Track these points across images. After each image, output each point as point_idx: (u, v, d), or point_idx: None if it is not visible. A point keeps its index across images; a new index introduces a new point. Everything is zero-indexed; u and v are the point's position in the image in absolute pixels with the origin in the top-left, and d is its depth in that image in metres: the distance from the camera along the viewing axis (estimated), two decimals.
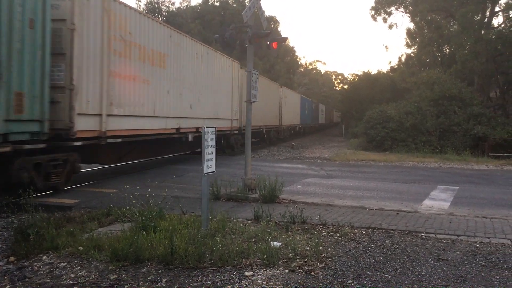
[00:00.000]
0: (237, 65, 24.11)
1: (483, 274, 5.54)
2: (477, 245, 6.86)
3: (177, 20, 44.82)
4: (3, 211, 8.05)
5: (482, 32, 32.36)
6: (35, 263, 6.03)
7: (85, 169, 14.67)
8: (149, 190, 8.47)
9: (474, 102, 29.04)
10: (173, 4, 54.00)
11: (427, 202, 10.64)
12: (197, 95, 18.23)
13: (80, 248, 6.31)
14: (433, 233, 7.49)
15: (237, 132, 24.31)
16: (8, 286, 5.31)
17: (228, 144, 23.88)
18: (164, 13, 47.40)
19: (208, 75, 19.65)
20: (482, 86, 34.11)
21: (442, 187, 13.17)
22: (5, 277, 5.64)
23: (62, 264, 5.90)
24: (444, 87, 29.62)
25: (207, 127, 7.08)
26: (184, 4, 52.84)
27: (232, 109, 23.07)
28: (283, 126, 37.41)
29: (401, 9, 42.69)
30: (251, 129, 11.16)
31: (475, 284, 5.21)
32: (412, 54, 47.93)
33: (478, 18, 33.68)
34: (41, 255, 6.30)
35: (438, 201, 10.88)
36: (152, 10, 46.38)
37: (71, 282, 5.27)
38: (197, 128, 17.70)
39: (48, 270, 5.73)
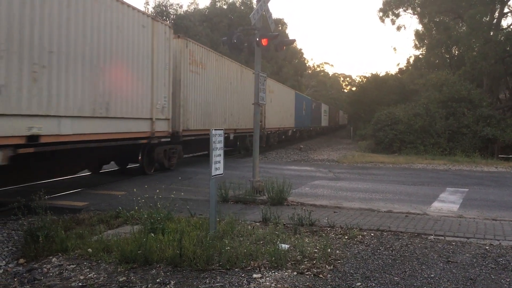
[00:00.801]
0: (163, 28, 15.05)
1: (492, 277, 5.51)
2: (487, 247, 6.82)
3: (185, 23, 44.96)
4: (14, 213, 8.09)
5: (491, 33, 32.20)
6: (44, 265, 6.07)
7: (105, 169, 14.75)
8: (158, 192, 8.51)
9: (483, 103, 28.85)
10: (181, 7, 54.39)
11: (436, 204, 10.59)
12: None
13: (89, 250, 6.35)
14: (442, 236, 7.46)
15: (168, 140, 15.94)
16: None
17: (150, 160, 15.32)
18: (172, 16, 47.56)
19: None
20: (491, 88, 33.93)
21: (451, 189, 13.10)
22: (15, 279, 5.69)
23: (72, 266, 5.94)
24: (453, 89, 29.47)
25: (215, 129, 7.09)
26: (192, 7, 53.11)
27: (152, 102, 14.24)
28: (266, 130, 29.10)
29: (409, 10, 42.55)
30: (258, 132, 11.17)
31: (485, 286, 5.18)
32: (420, 56, 47.74)
33: (487, 19, 33.50)
34: (51, 257, 6.35)
35: (447, 203, 10.82)
36: (160, 14, 46.55)
37: (80, 284, 5.31)
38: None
39: (57, 272, 5.77)
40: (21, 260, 6.48)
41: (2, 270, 6.13)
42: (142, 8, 64.52)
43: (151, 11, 46.73)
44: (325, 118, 62.25)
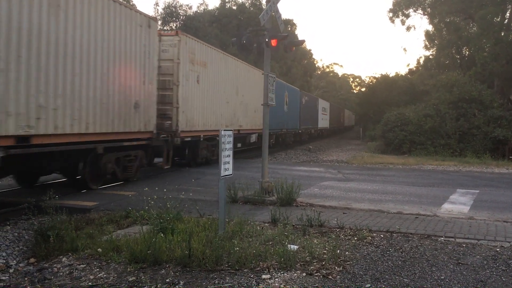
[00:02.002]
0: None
1: (503, 279, 5.46)
2: (498, 249, 6.76)
3: (195, 24, 45.06)
4: (24, 213, 8.17)
5: (502, 33, 31.96)
6: (55, 265, 6.11)
7: None
8: (167, 192, 8.53)
9: (494, 104, 28.63)
10: (190, 8, 54.38)
11: (446, 206, 10.52)
12: None
13: (99, 250, 6.38)
14: (452, 237, 7.41)
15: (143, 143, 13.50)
16: (28, 287, 5.39)
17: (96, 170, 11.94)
18: (181, 17, 47.69)
19: None
20: (502, 88, 33.65)
21: (462, 190, 13.01)
22: (26, 278, 5.74)
23: (82, 265, 5.98)
24: (464, 90, 29.27)
25: (224, 130, 7.10)
26: (202, 8, 53.08)
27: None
28: (180, 135, 15.71)
29: (420, 11, 42.34)
30: (268, 133, 11.17)
31: None
32: (430, 56, 47.50)
33: (498, 19, 33.25)
34: (61, 256, 6.39)
35: (457, 204, 10.75)
36: (170, 15, 46.71)
37: (90, 283, 5.33)
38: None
39: (67, 272, 5.80)
40: (32, 260, 6.53)
41: (13, 269, 6.19)
42: (151, 10, 64.67)
43: (160, 12, 46.94)
44: (325, 117, 51.76)
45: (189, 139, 16.46)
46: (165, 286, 5.16)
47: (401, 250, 6.64)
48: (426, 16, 42.38)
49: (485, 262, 6.10)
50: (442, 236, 7.46)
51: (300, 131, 38.41)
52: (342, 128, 73.57)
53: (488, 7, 32.10)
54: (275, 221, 8.14)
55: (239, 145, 23.40)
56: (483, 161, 22.77)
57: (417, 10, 42.24)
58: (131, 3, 40.04)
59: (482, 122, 27.27)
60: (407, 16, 42.87)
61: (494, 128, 26.56)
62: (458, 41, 37.45)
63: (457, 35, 36.77)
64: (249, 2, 52.82)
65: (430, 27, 43.98)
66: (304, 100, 39.02)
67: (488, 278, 5.48)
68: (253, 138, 24.37)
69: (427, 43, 45.17)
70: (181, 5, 48.66)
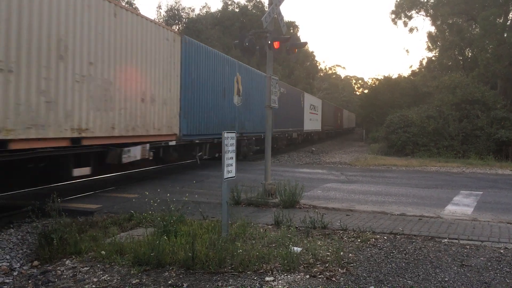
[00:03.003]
0: None
1: (507, 281, 5.44)
2: (502, 251, 6.74)
3: (197, 27, 45.14)
4: (28, 216, 8.19)
5: (505, 34, 31.90)
6: (58, 267, 6.12)
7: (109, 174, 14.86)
8: (170, 194, 8.54)
9: (497, 105, 28.60)
10: (193, 11, 54.54)
11: (450, 208, 10.50)
12: None
13: (103, 252, 6.39)
14: (456, 239, 7.39)
15: None
16: None
17: None
18: (184, 20, 47.81)
19: None
20: (505, 90, 33.57)
21: (465, 192, 12.98)
22: (29, 281, 5.75)
23: (85, 268, 5.98)
24: (467, 91, 29.26)
25: (227, 132, 7.11)
26: (204, 10, 53.21)
27: None
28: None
29: (422, 12, 42.39)
30: (270, 135, 11.17)
31: None
32: (433, 58, 47.49)
33: (501, 20, 33.21)
34: (65, 259, 6.40)
35: (461, 206, 10.73)
36: (173, 17, 46.82)
37: (93, 286, 5.34)
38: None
39: (71, 274, 5.81)
40: (35, 263, 6.54)
41: (17, 272, 6.20)
42: (154, 13, 64.68)
43: (163, 15, 47.06)
44: (314, 118, 41.70)
45: None
46: None
47: (404, 252, 6.62)
48: (428, 17, 42.43)
49: (489, 264, 6.08)
50: (445, 238, 7.44)
51: (277, 135, 27.65)
52: (340, 130, 64.72)
53: (490, 8, 32.11)
54: (278, 223, 8.13)
55: None
56: (486, 163, 22.72)
57: (419, 11, 42.29)
58: (133, 6, 40.15)
59: (485, 124, 27.24)
60: (410, 17, 42.93)
61: (498, 129, 26.52)
62: (460, 42, 37.45)
63: (459, 37, 36.77)
64: (251, 4, 52.94)
65: (432, 29, 44.21)
66: (285, 93, 29.10)
67: (492, 280, 5.46)
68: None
69: (429, 44, 45.22)
70: (183, 8, 48.73)
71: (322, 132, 47.96)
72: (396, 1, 42.72)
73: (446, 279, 5.47)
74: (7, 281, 5.82)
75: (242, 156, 22.16)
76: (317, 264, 5.86)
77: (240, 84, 21.20)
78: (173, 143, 14.66)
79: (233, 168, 7.24)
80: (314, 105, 41.91)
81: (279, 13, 11.29)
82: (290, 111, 31.44)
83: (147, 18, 12.85)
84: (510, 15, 33.99)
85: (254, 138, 23.85)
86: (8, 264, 6.48)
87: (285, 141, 31.80)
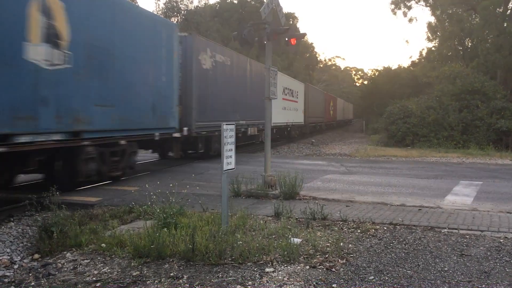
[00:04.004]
0: None
1: (507, 270, 5.45)
2: (501, 240, 6.75)
3: (196, 19, 44.98)
4: (28, 209, 8.19)
5: (505, 24, 31.80)
6: (59, 260, 6.13)
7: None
8: (170, 187, 8.55)
9: (497, 96, 28.57)
10: (191, 2, 54.21)
11: (449, 198, 10.51)
12: None
13: (103, 245, 6.40)
14: (456, 229, 7.40)
15: None
16: (32, 283, 5.41)
17: None
18: (183, 12, 47.59)
19: None
20: (506, 80, 33.53)
21: (465, 182, 12.98)
22: (30, 274, 5.76)
23: (86, 261, 5.99)
24: (466, 81, 29.21)
25: (226, 124, 7.09)
26: (203, 2, 52.94)
27: None
28: None
29: (421, 2, 42.26)
30: (270, 127, 11.16)
31: (499, 279, 5.13)
32: (433, 48, 47.32)
33: (501, 10, 33.09)
34: (65, 252, 6.41)
35: (461, 196, 10.73)
36: (171, 9, 46.60)
37: (94, 278, 5.35)
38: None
39: (71, 267, 5.82)
40: (36, 256, 6.55)
41: (18, 265, 6.21)
42: (153, 5, 64.49)
43: (162, 7, 46.84)
44: (293, 107, 32.86)
45: None
46: (169, 280, 5.18)
47: (404, 242, 6.63)
48: (428, 7, 42.32)
49: (488, 253, 6.09)
50: (445, 228, 7.45)
51: (185, 134, 15.86)
52: (333, 123, 56.39)
53: None
54: (278, 214, 8.14)
55: None
56: (486, 153, 22.72)
57: (419, 1, 42.20)
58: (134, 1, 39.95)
59: (485, 114, 27.23)
60: (409, 7, 42.81)
61: (497, 119, 26.51)
62: (460, 32, 37.33)
63: (459, 27, 36.64)
64: None
65: (432, 19, 44.06)
66: (207, 60, 17.69)
67: (491, 269, 5.47)
68: None
69: (429, 35, 45.10)
70: (182, 0, 48.50)
71: (306, 125, 38.37)
72: None
73: (446, 268, 5.48)
74: (8, 274, 5.83)
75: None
76: (317, 255, 5.87)
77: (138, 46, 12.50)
78: None
79: (232, 160, 7.23)
80: (291, 89, 32.38)
81: (278, 4, 11.24)
82: (240, 94, 21.81)
83: None
84: (510, 5, 33.85)
85: (146, 140, 13.99)
86: (8, 257, 6.48)
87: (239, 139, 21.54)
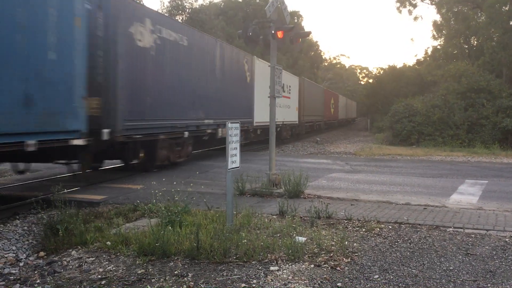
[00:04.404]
0: None
1: None
2: (507, 239, 6.73)
3: (200, 17, 45.00)
4: (34, 207, 8.22)
5: (511, 23, 31.63)
6: (64, 258, 6.15)
7: (111, 165, 14.91)
8: (175, 185, 8.56)
9: (503, 94, 28.39)
10: (196, 1, 54.30)
11: (455, 197, 10.47)
12: None
13: (108, 243, 6.42)
14: (461, 228, 7.37)
15: None
16: (38, 281, 5.44)
17: None
18: (187, 10, 47.62)
19: None
20: (511, 78, 33.37)
21: (471, 181, 12.94)
22: (35, 272, 5.78)
23: (91, 258, 6.01)
24: (472, 80, 29.07)
25: (231, 122, 7.10)
26: (207, 0, 53.01)
27: None
28: None
29: (427, 0, 42.11)
30: (274, 125, 11.15)
31: (505, 279, 5.11)
32: (438, 47, 47.11)
33: (506, 8, 32.89)
34: (70, 250, 6.43)
35: (466, 195, 10.70)
36: (176, 7, 46.64)
37: (99, 276, 5.37)
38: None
39: (77, 265, 5.84)
40: (41, 253, 6.58)
41: (23, 263, 6.24)
42: (158, 3, 64.54)
43: (166, 5, 46.90)
44: (284, 103, 27.73)
45: None
46: (173, 278, 5.19)
47: (409, 241, 6.62)
48: (433, 5, 42.12)
49: (494, 253, 6.07)
50: (450, 227, 7.43)
51: (105, 139, 11.22)
52: (334, 122, 52.94)
53: None
54: (282, 213, 8.14)
55: None
56: (492, 152, 22.62)
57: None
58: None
59: (491, 112, 27.09)
60: (414, 6, 42.65)
61: (503, 118, 26.36)
62: (466, 30, 37.18)
63: (465, 25, 36.49)
64: None
65: (437, 17, 43.88)
66: (145, 35, 12.92)
67: (497, 268, 5.45)
68: None
69: (434, 33, 44.90)
70: None
71: (301, 125, 33.82)
72: None
73: (451, 268, 5.47)
74: (13, 271, 5.86)
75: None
76: (322, 254, 5.87)
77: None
78: None
79: (237, 159, 7.24)
80: (282, 83, 23.15)
81: (283, 3, 11.23)
82: (205, 86, 16.81)
83: None
84: None
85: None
86: (14, 255, 6.51)
87: (185, 145, 15.90)
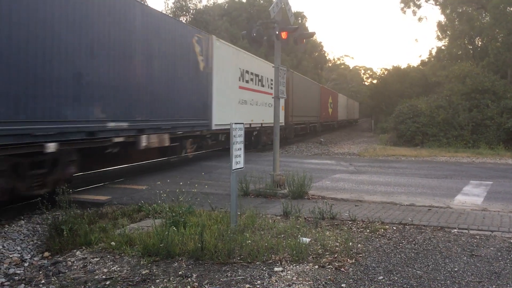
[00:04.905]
0: None
1: None
2: None
3: (204, 18, 45.03)
4: (38, 208, 8.25)
5: None
6: (69, 258, 6.17)
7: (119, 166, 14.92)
8: (179, 186, 8.57)
9: (507, 95, 28.29)
10: (200, 1, 54.30)
11: (459, 198, 10.44)
12: None
13: (113, 243, 6.43)
14: (466, 229, 7.35)
15: None
16: (43, 281, 5.46)
17: None
18: (191, 11, 47.66)
19: None
20: None
21: (475, 182, 12.90)
22: (40, 272, 5.80)
23: (95, 259, 6.03)
24: (477, 80, 29.00)
25: (235, 123, 7.10)
26: (211, 1, 53.11)
27: None
28: None
29: (431, 1, 42.01)
30: (278, 126, 11.15)
31: (510, 280, 5.10)
32: (443, 47, 46.96)
33: (511, 9, 32.81)
34: (75, 250, 6.45)
35: (471, 196, 10.67)
36: (180, 8, 46.68)
37: (104, 277, 5.38)
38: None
39: (81, 265, 5.86)
40: (46, 254, 6.60)
41: (28, 263, 6.26)
42: (162, 4, 64.48)
43: (170, 6, 46.92)
44: (262, 100, 22.63)
45: None
46: (178, 279, 5.19)
47: (414, 242, 6.60)
48: (438, 6, 42.01)
49: (499, 254, 6.05)
50: (455, 228, 7.41)
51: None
52: (333, 123, 48.05)
53: None
54: (287, 214, 8.14)
55: None
56: (496, 152, 22.56)
57: (428, 0, 41.89)
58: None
59: (496, 113, 27.01)
60: (419, 6, 42.61)
61: (508, 118, 26.28)
62: (470, 31, 37.08)
63: (469, 25, 36.39)
64: None
65: (442, 18, 43.73)
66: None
67: (502, 270, 5.43)
68: None
69: (439, 33, 44.73)
70: None
71: (289, 127, 28.08)
72: None
73: (456, 269, 5.45)
74: (18, 272, 5.88)
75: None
76: (326, 255, 5.86)
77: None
78: None
79: (241, 159, 7.24)
80: (257, 75, 21.81)
81: (287, 3, 11.24)
82: (108, 68, 10.82)
83: None
84: None
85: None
86: (19, 255, 6.54)
87: (57, 167, 9.44)
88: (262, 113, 22.56)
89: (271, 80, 22.42)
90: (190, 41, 15.05)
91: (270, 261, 5.65)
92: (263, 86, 22.76)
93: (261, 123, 22.52)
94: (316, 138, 35.84)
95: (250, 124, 20.68)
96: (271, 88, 22.37)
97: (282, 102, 21.69)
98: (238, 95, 19.22)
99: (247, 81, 20.38)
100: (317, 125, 38.53)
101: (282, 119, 23.95)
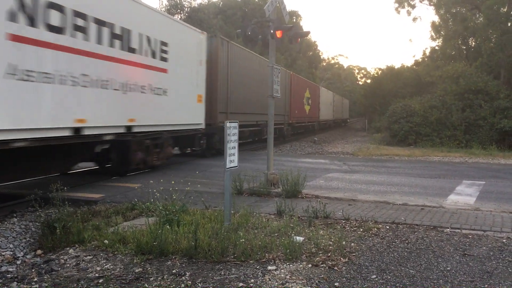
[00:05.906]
0: None
1: (510, 270, 5.44)
2: (504, 240, 6.74)
3: (199, 16, 44.93)
4: (31, 205, 8.20)
5: (509, 24, 31.71)
6: (61, 256, 6.14)
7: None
8: (172, 184, 8.56)
9: (500, 95, 28.46)
10: (195, 0, 54.22)
11: (452, 197, 10.49)
12: None
13: (106, 241, 6.40)
14: (458, 229, 7.39)
15: None
16: (35, 279, 5.43)
17: None
18: (186, 9, 47.54)
19: None
20: (509, 79, 33.39)
21: (468, 182, 12.96)
22: (33, 270, 5.77)
23: (88, 257, 6.00)
24: (470, 81, 29.14)
25: (229, 121, 7.10)
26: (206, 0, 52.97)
27: None
28: None
29: (425, 1, 42.12)
30: (273, 124, 11.15)
31: (502, 279, 5.13)
32: (436, 47, 47.17)
33: (505, 10, 32.96)
34: (68, 248, 6.42)
35: (463, 196, 10.72)
36: (174, 6, 46.55)
37: (97, 275, 5.36)
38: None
39: (74, 263, 5.83)
40: (39, 251, 6.56)
41: (20, 261, 6.22)
42: (156, 2, 64.43)
43: (165, 4, 46.79)
44: (168, 87, 13.40)
45: None
46: (171, 277, 5.18)
47: (406, 241, 6.63)
48: (432, 6, 42.14)
49: (491, 253, 6.08)
50: (448, 228, 7.44)
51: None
52: (312, 124, 39.87)
53: None
54: (280, 213, 8.14)
55: None
56: (489, 153, 22.68)
57: (423, 0, 42.05)
58: None
59: (488, 113, 27.17)
60: (413, 6, 42.71)
61: (501, 119, 26.44)
62: (464, 31, 37.22)
63: (463, 26, 36.53)
64: None
65: (436, 18, 43.92)
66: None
67: (494, 269, 5.46)
68: None
69: (433, 34, 44.88)
70: None
71: (211, 133, 18.01)
72: None
73: (448, 268, 5.48)
74: (11, 269, 5.84)
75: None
76: (320, 254, 5.87)
77: None
78: None
79: (235, 158, 7.24)
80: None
81: (282, 2, 11.24)
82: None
83: None
84: None
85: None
86: (11, 253, 6.50)
87: None
88: (147, 108, 12.81)
89: (162, 42, 13.44)
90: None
91: (264, 260, 5.66)
92: (153, 55, 13.08)
93: (151, 126, 13.30)
94: (283, 145, 27.50)
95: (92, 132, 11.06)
96: (163, 58, 13.56)
97: (196, 86, 15.84)
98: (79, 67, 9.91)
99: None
100: (284, 128, 29.33)
101: (197, 118, 16.15)
